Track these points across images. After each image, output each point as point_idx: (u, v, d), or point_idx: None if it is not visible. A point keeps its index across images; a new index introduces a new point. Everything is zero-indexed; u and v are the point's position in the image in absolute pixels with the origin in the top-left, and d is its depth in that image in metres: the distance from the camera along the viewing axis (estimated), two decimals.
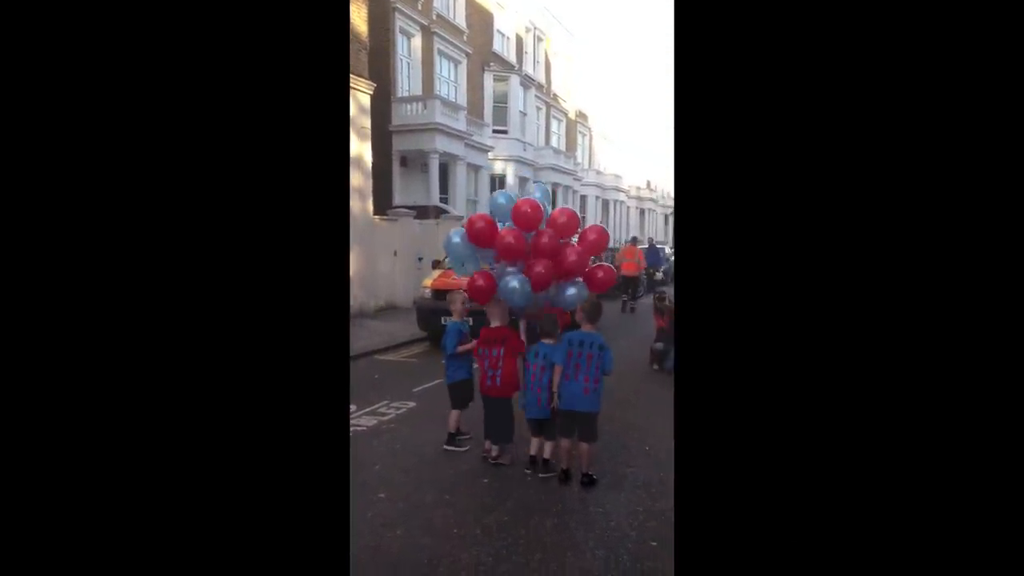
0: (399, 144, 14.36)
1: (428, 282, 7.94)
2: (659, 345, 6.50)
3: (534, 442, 3.62)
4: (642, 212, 34.82)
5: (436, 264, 8.80)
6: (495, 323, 3.79)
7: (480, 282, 3.77)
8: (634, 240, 13.72)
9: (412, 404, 5.10)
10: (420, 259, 11.36)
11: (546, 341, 3.56)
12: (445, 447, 3.98)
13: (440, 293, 7.51)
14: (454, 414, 4.03)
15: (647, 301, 11.03)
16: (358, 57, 10.44)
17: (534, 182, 17.93)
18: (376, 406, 5.01)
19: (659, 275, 15.50)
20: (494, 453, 3.75)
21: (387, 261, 10.76)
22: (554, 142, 23.06)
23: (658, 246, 17.12)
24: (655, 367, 6.44)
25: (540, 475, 3.52)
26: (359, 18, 11.11)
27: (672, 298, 6.76)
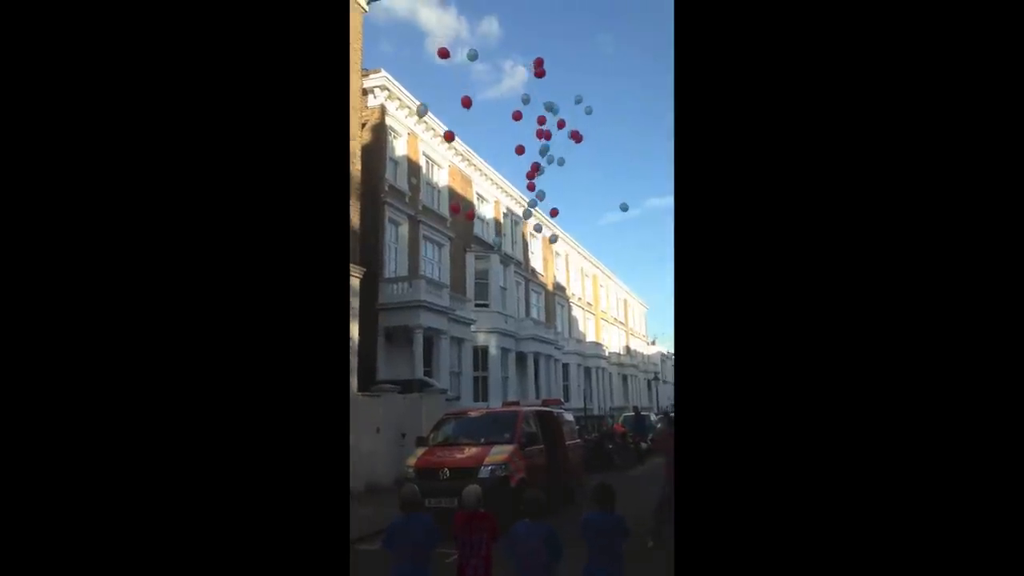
0: (385, 320, 14.91)
1: (412, 461, 7.79)
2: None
3: None
4: (624, 378, 35.11)
5: (420, 441, 8.68)
6: (469, 508, 3.58)
7: None
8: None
9: None
10: (403, 435, 11.18)
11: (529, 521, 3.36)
12: None
13: (425, 472, 7.34)
14: None
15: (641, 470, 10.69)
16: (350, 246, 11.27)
17: None
18: None
19: (644, 444, 15.24)
20: None
21: (369, 439, 10.57)
22: (534, 314, 24.03)
23: (643, 413, 17.05)
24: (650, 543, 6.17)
25: None
26: (352, 211, 12.21)
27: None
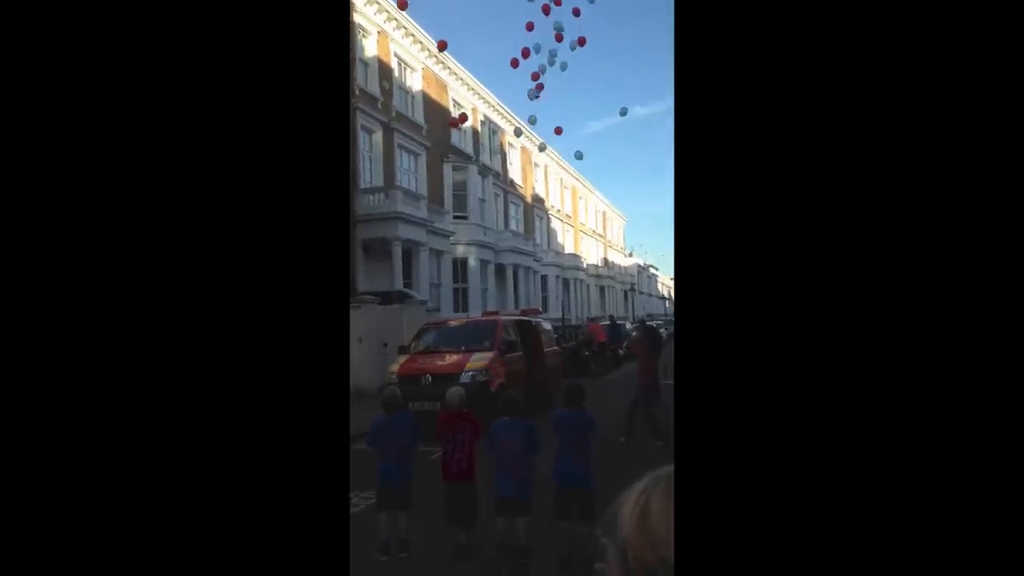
0: (362, 232, 14.68)
1: (395, 367, 7.96)
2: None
3: (499, 524, 3.46)
4: (602, 289, 35.74)
5: (402, 349, 8.84)
6: (452, 409, 3.73)
7: None
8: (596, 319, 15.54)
9: None
10: (385, 345, 11.36)
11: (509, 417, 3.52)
12: (382, 558, 3.57)
13: (407, 378, 7.52)
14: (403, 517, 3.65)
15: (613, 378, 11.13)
16: None
17: None
18: None
19: (621, 351, 15.80)
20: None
21: (353, 349, 10.71)
22: (513, 226, 23.88)
23: (619, 322, 17.52)
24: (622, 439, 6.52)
25: (523, 562, 3.40)
26: None
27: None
